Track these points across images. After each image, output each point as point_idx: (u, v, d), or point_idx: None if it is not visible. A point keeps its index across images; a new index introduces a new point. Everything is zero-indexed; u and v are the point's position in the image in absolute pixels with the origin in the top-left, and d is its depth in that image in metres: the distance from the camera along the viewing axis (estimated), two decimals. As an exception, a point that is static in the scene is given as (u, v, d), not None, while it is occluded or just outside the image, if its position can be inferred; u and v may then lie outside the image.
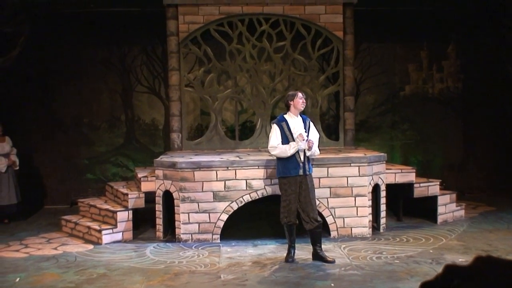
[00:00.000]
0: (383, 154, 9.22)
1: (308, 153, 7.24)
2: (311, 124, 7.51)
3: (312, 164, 7.55)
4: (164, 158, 8.98)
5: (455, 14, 11.68)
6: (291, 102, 7.35)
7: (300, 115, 7.46)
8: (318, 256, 7.36)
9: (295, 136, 7.22)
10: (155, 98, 11.86)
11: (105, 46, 11.61)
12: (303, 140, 7.15)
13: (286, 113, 7.42)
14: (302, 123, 7.37)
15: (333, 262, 7.24)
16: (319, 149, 7.65)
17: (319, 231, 7.33)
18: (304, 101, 7.43)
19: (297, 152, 7.21)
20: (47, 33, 11.24)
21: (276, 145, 7.27)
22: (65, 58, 11.50)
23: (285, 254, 7.49)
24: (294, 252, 7.44)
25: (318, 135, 7.55)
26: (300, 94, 7.41)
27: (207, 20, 10.34)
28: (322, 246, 7.46)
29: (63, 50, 11.46)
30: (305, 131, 7.30)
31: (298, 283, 6.50)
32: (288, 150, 7.19)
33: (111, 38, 11.52)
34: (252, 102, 10.71)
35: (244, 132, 11.22)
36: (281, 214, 7.32)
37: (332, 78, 11.14)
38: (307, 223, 7.24)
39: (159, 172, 8.76)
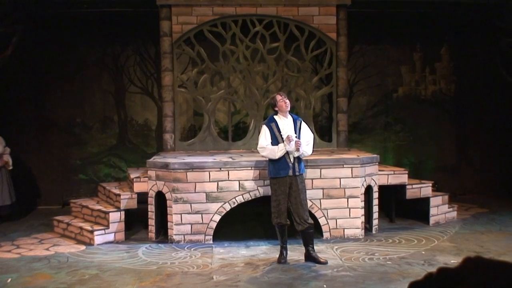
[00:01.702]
0: (375, 155, 9.24)
1: (296, 154, 7.23)
2: (303, 124, 7.48)
3: (304, 165, 7.56)
4: (156, 159, 8.97)
5: (449, 16, 11.72)
6: (276, 108, 7.38)
7: (291, 115, 7.47)
8: (310, 257, 7.36)
9: (284, 137, 7.22)
10: (148, 99, 11.84)
11: (98, 46, 11.59)
12: (291, 141, 7.14)
13: (276, 114, 7.43)
14: (293, 124, 7.36)
15: (325, 263, 7.24)
16: (313, 149, 7.66)
17: (310, 232, 7.34)
18: (286, 101, 7.37)
19: (287, 153, 7.22)
20: (40, 33, 11.22)
21: (265, 146, 7.29)
22: (58, 58, 11.47)
23: (277, 255, 7.49)
24: (286, 253, 7.44)
25: (311, 135, 7.55)
26: (279, 97, 7.38)
27: (200, 20, 10.34)
28: (315, 247, 7.47)
29: (56, 50, 11.44)
30: (296, 132, 7.29)
31: (290, 284, 6.50)
32: (276, 152, 7.21)
33: (104, 38, 11.50)
34: (245, 103, 10.71)
35: (237, 133, 11.22)
36: (272, 214, 7.34)
37: (325, 80, 11.15)
38: (298, 224, 7.25)
39: (152, 173, 8.74)
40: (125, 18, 11.17)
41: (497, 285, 1.55)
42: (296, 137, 7.23)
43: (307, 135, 7.42)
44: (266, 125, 7.38)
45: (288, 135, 7.16)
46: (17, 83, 11.37)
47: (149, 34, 11.28)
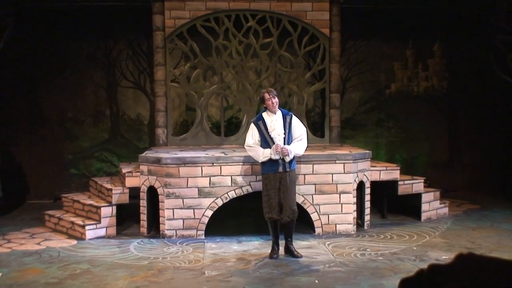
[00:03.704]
0: (368, 151, 9.25)
1: (287, 159, 7.22)
2: (293, 119, 7.40)
3: (296, 161, 7.53)
4: (149, 154, 8.95)
5: (441, 13, 11.73)
6: (264, 104, 7.37)
7: (281, 110, 7.43)
8: (288, 249, 7.46)
9: (272, 135, 7.21)
10: (141, 93, 11.80)
11: (91, 40, 11.53)
12: (278, 152, 7.15)
13: (265, 111, 7.41)
14: (282, 120, 7.32)
15: (300, 257, 7.32)
16: (307, 145, 7.62)
17: (292, 225, 7.42)
18: (274, 100, 7.26)
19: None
20: (32, 27, 11.15)
21: (251, 145, 7.35)
22: (50, 52, 11.41)
23: (269, 251, 7.49)
24: (278, 249, 7.45)
25: (303, 129, 7.47)
26: (266, 96, 7.28)
27: (193, 15, 10.32)
28: (307, 242, 7.51)
29: (48, 44, 11.38)
30: (285, 128, 7.26)
31: (282, 280, 6.51)
32: (260, 156, 7.28)
33: (97, 32, 11.43)
34: (238, 98, 10.70)
35: (229, 128, 11.22)
36: (263, 210, 7.34)
37: (318, 75, 11.15)
38: (284, 217, 7.27)
39: (144, 168, 8.72)
40: (118, 12, 11.11)
41: (489, 281, 1.55)
42: (284, 133, 7.23)
43: (299, 129, 7.39)
44: (254, 123, 7.38)
45: (276, 145, 7.16)
46: (9, 77, 11.29)
47: (142, 28, 11.23)
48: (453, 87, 12.32)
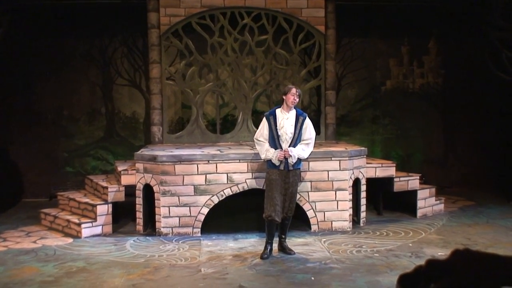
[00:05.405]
0: (363, 148, 9.26)
1: (290, 161, 7.22)
2: (306, 121, 7.36)
3: (301, 160, 7.51)
4: (144, 152, 8.94)
5: (437, 10, 11.74)
6: (284, 97, 7.33)
7: (296, 110, 7.40)
8: (282, 246, 7.49)
9: (279, 132, 7.21)
10: (136, 91, 11.78)
11: (86, 38, 11.51)
12: (281, 160, 7.18)
13: (279, 107, 7.40)
14: (294, 119, 7.30)
15: (294, 253, 7.35)
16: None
17: (287, 222, 7.45)
18: (296, 98, 7.26)
19: (281, 147, 7.22)
20: (27, 25, 11.11)
21: (258, 139, 7.34)
22: (45, 50, 11.39)
23: (265, 248, 7.49)
24: (271, 249, 7.38)
25: (313, 134, 7.44)
26: (293, 90, 7.28)
27: (188, 12, 10.31)
28: (303, 239, 7.51)
29: (43, 42, 11.35)
30: (295, 128, 7.25)
31: (278, 277, 6.51)
32: (262, 154, 7.33)
33: (92, 30, 11.42)
34: (233, 95, 10.70)
35: (225, 126, 11.21)
36: (264, 207, 7.30)
37: (314, 72, 11.15)
38: (281, 214, 7.28)
39: (140, 166, 8.71)
40: (113, 10, 11.08)
41: (484, 276, 1.56)
42: (294, 133, 7.22)
43: (309, 133, 7.38)
44: (266, 118, 7.35)
45: (280, 155, 7.16)
46: (4, 75, 11.26)
47: (137, 26, 11.21)
48: (448, 84, 12.34)
